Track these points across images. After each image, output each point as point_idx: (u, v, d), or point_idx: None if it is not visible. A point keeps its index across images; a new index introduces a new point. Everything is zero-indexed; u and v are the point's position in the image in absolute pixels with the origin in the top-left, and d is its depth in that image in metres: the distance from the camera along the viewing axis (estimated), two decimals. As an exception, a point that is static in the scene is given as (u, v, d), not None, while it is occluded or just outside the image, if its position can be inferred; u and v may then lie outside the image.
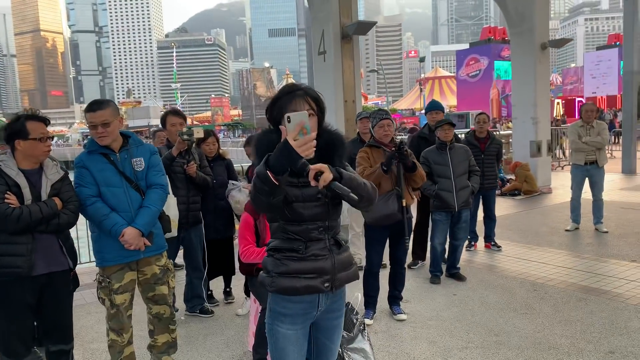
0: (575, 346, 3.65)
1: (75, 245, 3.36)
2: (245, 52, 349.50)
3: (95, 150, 3.18)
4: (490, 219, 6.48)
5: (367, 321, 4.18)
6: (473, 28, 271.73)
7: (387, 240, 4.30)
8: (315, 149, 1.83)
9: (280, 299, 2.03)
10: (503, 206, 9.38)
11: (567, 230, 7.20)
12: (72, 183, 3.11)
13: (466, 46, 60.59)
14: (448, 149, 5.04)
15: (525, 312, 4.33)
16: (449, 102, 57.16)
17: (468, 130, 8.47)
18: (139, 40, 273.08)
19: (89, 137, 3.29)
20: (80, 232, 4.71)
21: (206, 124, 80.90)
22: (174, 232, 4.08)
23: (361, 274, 4.23)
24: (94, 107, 3.12)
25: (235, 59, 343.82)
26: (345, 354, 3.19)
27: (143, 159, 3.28)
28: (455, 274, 5.33)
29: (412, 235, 4.83)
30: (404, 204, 4.07)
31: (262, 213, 2.16)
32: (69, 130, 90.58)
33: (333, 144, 2.05)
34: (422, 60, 70.99)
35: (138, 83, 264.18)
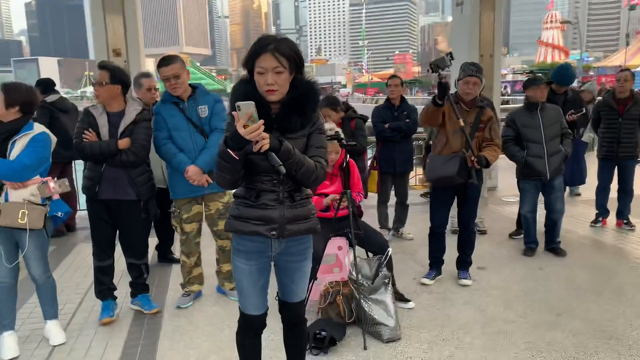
0: (644, 341, 3.15)
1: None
2: (436, 6, 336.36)
3: (167, 100, 3.70)
4: (625, 194, 5.62)
5: (426, 281, 4.17)
6: None
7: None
8: (289, 99, 2.09)
9: (237, 237, 2.24)
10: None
11: None
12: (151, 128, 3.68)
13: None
14: (539, 110, 4.52)
15: (611, 297, 3.81)
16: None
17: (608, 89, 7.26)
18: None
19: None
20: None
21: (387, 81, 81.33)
22: None
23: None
24: (165, 62, 3.61)
25: (426, 13, 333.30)
26: (366, 303, 3.29)
27: (207, 106, 3.71)
28: (553, 249, 4.84)
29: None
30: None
31: (226, 189, 2.32)
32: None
33: (306, 96, 2.14)
34: (632, 8, 59.98)
35: (329, 41, 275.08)
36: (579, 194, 7.46)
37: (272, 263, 2.30)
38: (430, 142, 6.76)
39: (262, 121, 1.90)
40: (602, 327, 3.35)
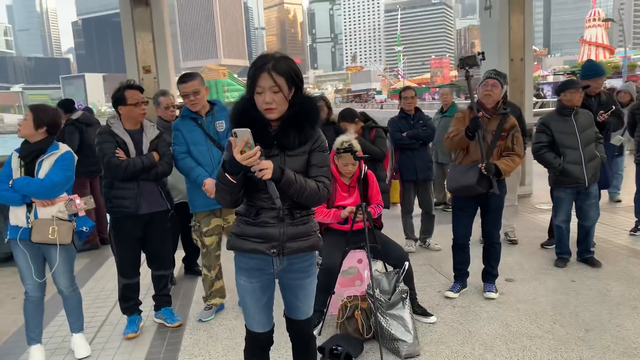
0: (681, 360, 2.96)
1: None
2: (473, 8, 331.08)
3: (187, 115, 3.78)
4: (667, 200, 5.33)
5: (450, 294, 4.07)
6: None
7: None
8: (287, 117, 2.08)
9: (238, 254, 2.24)
10: None
11: None
12: (170, 141, 3.77)
13: None
14: (573, 115, 4.34)
15: (647, 312, 3.61)
16: None
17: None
18: (367, 4, 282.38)
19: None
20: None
21: (423, 86, 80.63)
22: None
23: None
24: (185, 79, 3.70)
25: (463, 16, 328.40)
26: (383, 318, 3.24)
27: (224, 121, 3.76)
28: (587, 259, 4.63)
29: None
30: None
31: (229, 208, 2.35)
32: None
33: (304, 113, 2.14)
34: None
35: (364, 48, 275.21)
36: (619, 201, 7.14)
37: (276, 280, 2.29)
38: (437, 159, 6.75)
39: (258, 147, 1.91)
40: (635, 344, 3.17)
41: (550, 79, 50.84)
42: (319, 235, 2.26)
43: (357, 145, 3.65)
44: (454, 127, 3.93)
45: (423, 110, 5.46)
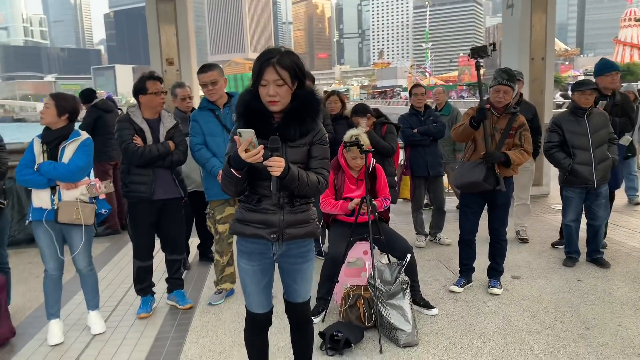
0: (677, 360, 2.97)
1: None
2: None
3: (205, 107, 3.93)
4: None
5: (455, 289, 4.13)
6: None
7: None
8: (290, 109, 2.20)
9: (240, 238, 2.37)
10: None
11: None
12: (186, 131, 3.93)
13: None
14: (586, 116, 4.33)
15: (651, 313, 3.62)
16: None
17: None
18: (396, 0, 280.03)
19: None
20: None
21: (450, 83, 79.79)
22: None
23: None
24: (204, 69, 3.85)
25: (494, 14, 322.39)
26: (383, 307, 3.33)
27: None
28: (596, 260, 4.63)
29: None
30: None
31: (234, 197, 2.49)
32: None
33: (306, 106, 2.25)
34: None
35: (392, 44, 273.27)
36: (638, 203, 7.05)
37: (276, 264, 2.41)
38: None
39: (261, 147, 2.04)
40: (633, 343, 3.19)
41: (581, 79, 49.74)
42: (317, 223, 2.37)
43: (365, 139, 3.73)
44: (462, 120, 4.01)
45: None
